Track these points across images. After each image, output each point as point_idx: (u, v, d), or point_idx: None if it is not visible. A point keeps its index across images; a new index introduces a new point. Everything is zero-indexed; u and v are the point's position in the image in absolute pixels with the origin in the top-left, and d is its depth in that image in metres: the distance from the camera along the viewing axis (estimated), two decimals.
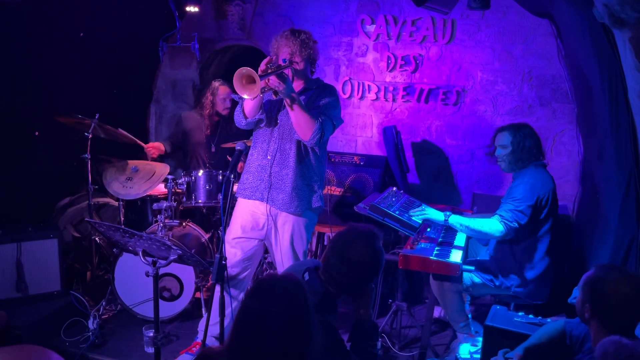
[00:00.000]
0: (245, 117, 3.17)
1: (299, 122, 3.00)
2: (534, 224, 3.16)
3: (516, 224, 3.10)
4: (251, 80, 2.76)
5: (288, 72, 3.00)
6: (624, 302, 2.02)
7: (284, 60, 3.04)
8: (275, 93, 2.96)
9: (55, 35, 4.10)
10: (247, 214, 3.25)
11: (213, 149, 4.60)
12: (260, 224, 3.24)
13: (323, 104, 3.16)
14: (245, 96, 2.79)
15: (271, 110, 3.19)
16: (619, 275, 2.07)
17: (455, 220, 3.22)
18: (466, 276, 3.28)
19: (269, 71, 2.85)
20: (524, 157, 3.23)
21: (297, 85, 3.17)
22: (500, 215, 3.14)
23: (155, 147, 4.51)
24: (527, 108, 4.50)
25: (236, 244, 3.25)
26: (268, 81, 2.85)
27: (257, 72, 2.75)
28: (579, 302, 2.18)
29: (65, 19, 4.11)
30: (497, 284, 3.25)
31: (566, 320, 2.48)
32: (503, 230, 3.10)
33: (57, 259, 3.81)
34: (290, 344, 1.61)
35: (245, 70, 2.73)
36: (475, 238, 3.54)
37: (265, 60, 2.91)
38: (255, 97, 2.84)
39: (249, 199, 3.25)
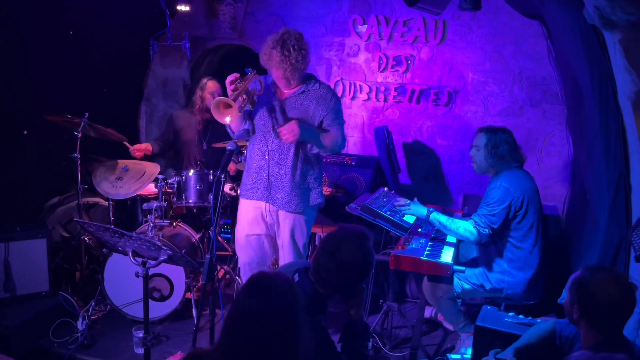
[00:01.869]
0: (233, 132, 3.30)
1: (327, 146, 3.20)
2: (512, 226, 3.20)
3: (488, 230, 3.14)
4: (227, 105, 2.90)
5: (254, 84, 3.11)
6: (611, 303, 2.03)
7: (248, 71, 3.12)
8: (252, 103, 3.11)
9: (45, 33, 4.06)
10: (251, 211, 3.34)
11: (204, 147, 4.58)
12: (264, 219, 3.33)
13: (333, 110, 3.22)
14: (227, 119, 2.94)
15: (265, 112, 3.22)
16: (607, 275, 2.08)
17: (435, 217, 3.28)
18: (456, 283, 3.30)
19: (238, 89, 2.96)
20: (495, 163, 3.26)
21: (290, 91, 3.22)
22: (474, 220, 3.19)
23: (140, 149, 4.48)
24: (517, 109, 4.52)
25: (246, 242, 3.36)
26: (244, 98, 3.00)
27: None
28: (567, 303, 2.18)
29: (54, 17, 4.07)
30: (487, 288, 3.26)
31: (556, 320, 2.49)
32: (476, 235, 3.16)
33: (46, 259, 3.77)
34: (282, 343, 1.61)
35: (218, 99, 2.89)
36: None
37: (230, 78, 3.01)
38: (236, 118, 3.00)
39: (250, 199, 3.33)
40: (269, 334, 1.59)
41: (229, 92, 2.97)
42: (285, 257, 3.31)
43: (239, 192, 3.49)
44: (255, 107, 3.23)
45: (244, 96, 3.01)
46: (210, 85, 4.52)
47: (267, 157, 3.22)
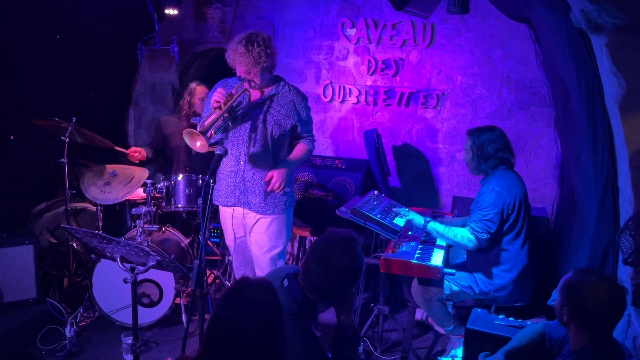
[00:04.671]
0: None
1: (304, 159, 3.44)
2: (502, 229, 3.21)
3: (486, 234, 3.15)
4: (199, 134, 2.93)
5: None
6: (601, 305, 2.04)
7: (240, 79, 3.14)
8: (234, 120, 3.13)
9: (32, 37, 4.03)
10: (230, 217, 3.35)
11: (193, 152, 4.55)
12: (243, 223, 3.35)
13: (304, 121, 3.32)
14: (198, 144, 2.94)
15: (241, 117, 3.24)
16: (596, 278, 2.09)
17: (432, 226, 3.28)
18: (445, 285, 3.30)
19: (222, 108, 3.00)
20: (481, 164, 3.27)
21: (257, 94, 3.25)
22: (471, 227, 3.19)
23: (138, 151, 4.44)
24: (506, 112, 4.54)
25: (235, 247, 3.41)
26: (225, 117, 3.04)
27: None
28: (557, 305, 2.20)
29: (41, 21, 4.03)
30: (476, 291, 3.27)
31: (545, 322, 2.50)
32: (474, 241, 3.17)
33: (33, 266, 3.74)
34: (262, 351, 1.60)
35: (189, 131, 2.92)
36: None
37: (215, 98, 3.03)
38: (206, 148, 2.98)
39: (225, 205, 3.35)
40: (247, 342, 1.57)
41: (212, 106, 3.05)
42: (261, 262, 3.32)
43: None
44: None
45: (226, 115, 3.05)
46: (199, 90, 4.48)
47: (242, 162, 3.24)
